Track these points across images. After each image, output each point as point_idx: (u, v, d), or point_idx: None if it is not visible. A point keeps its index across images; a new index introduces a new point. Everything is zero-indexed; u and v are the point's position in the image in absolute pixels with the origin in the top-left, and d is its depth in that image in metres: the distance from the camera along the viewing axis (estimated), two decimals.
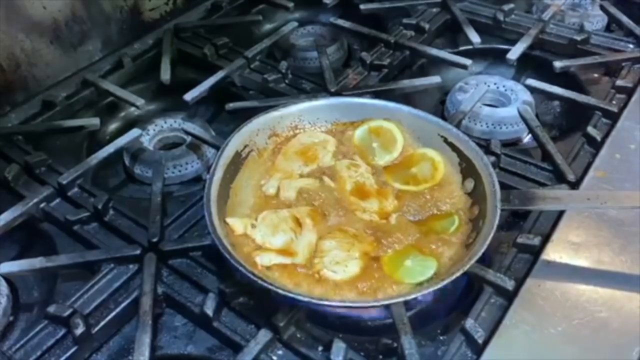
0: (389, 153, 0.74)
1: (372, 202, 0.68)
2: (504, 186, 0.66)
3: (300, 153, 0.73)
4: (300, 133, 0.76)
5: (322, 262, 0.61)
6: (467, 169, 0.69)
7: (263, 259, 0.61)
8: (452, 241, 0.63)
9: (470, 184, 0.68)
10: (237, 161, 0.71)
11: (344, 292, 0.58)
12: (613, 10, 1.06)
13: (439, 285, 0.56)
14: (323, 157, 0.73)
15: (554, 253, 0.64)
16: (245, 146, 0.72)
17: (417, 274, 0.60)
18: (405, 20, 1.06)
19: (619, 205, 0.64)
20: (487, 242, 0.58)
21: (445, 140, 0.71)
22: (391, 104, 0.76)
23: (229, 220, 0.64)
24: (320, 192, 0.68)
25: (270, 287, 0.56)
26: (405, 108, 0.75)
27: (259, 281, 0.56)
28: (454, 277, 0.55)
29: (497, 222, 0.60)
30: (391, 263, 0.61)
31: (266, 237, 0.63)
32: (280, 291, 0.56)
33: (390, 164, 0.73)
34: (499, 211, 0.61)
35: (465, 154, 0.69)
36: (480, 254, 0.57)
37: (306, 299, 0.56)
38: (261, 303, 0.62)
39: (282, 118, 0.75)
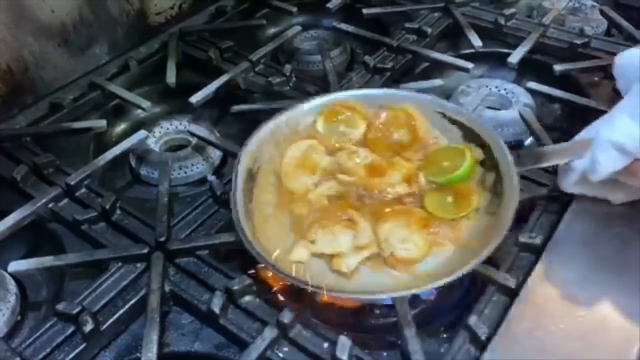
0: (359, 127, 0.73)
1: (393, 174, 0.67)
2: None
3: (302, 166, 0.70)
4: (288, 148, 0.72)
5: (390, 245, 0.60)
6: (472, 140, 0.69)
7: (349, 264, 0.59)
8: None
9: (478, 151, 0.68)
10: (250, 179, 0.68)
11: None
12: (613, 15, 1.07)
13: (473, 266, 0.57)
14: (321, 161, 0.70)
15: (556, 251, 0.64)
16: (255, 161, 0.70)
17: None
18: (407, 25, 1.07)
19: None
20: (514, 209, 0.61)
21: (444, 116, 0.72)
22: (391, 91, 0.77)
23: (294, 257, 0.61)
24: (344, 189, 0.67)
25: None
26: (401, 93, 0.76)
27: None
28: (493, 247, 0.57)
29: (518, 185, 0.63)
30: (433, 203, 0.64)
31: (334, 244, 0.61)
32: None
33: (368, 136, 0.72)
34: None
35: (468, 125, 0.70)
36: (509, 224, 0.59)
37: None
38: (267, 301, 0.63)
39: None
